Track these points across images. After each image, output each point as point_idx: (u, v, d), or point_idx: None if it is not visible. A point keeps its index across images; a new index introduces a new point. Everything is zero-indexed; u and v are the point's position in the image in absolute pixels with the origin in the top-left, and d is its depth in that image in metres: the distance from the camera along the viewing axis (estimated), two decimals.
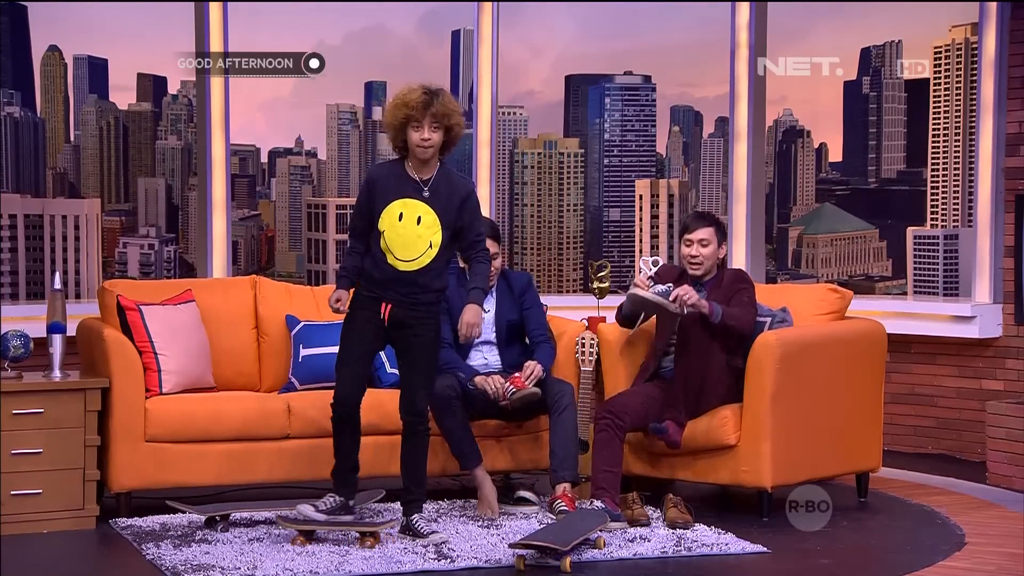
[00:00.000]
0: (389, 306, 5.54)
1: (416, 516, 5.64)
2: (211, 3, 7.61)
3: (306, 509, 5.51)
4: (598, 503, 5.82)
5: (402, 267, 5.51)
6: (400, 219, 5.49)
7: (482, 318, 5.67)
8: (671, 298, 5.94)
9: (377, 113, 8.49)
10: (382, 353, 6.25)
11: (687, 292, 5.94)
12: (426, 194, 5.52)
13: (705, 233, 6.19)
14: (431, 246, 5.52)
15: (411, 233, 5.50)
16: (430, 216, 5.51)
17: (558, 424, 6.08)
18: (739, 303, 6.08)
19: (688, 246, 6.21)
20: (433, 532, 5.61)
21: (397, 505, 5.81)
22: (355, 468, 5.62)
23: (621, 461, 5.98)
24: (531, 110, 8.66)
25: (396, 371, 6.35)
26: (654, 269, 6.08)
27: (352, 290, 5.63)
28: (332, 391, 5.61)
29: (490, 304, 6.30)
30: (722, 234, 6.24)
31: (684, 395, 5.96)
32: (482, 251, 5.69)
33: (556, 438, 6.08)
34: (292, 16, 7.99)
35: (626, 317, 6.25)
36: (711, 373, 5.99)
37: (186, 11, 7.64)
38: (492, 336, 6.32)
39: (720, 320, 5.97)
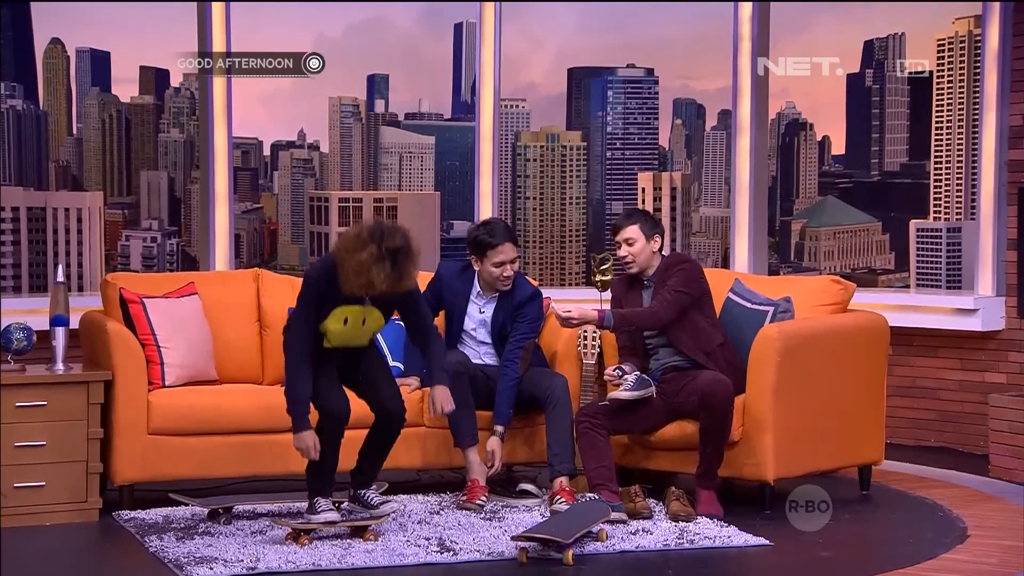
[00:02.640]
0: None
1: (365, 491, 5.68)
2: (213, 3, 7.59)
3: (331, 516, 5.48)
4: (594, 495, 5.82)
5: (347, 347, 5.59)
6: (345, 323, 5.48)
7: (450, 399, 5.63)
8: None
9: (379, 106, 8.48)
10: (384, 343, 6.26)
11: (567, 314, 5.96)
12: (368, 301, 5.47)
13: (629, 232, 6.17)
14: (375, 332, 5.63)
15: (356, 332, 5.54)
16: (374, 314, 5.53)
17: (553, 418, 6.10)
18: (660, 293, 6.06)
19: (618, 248, 6.22)
20: (386, 502, 5.64)
21: (399, 497, 5.81)
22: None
23: (610, 453, 5.97)
24: (533, 103, 8.65)
25: (399, 364, 6.38)
26: (623, 374, 6.04)
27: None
28: None
29: (489, 308, 6.31)
30: (651, 227, 6.19)
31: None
32: (434, 329, 5.67)
33: (552, 432, 6.10)
34: (293, 9, 7.98)
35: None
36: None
37: (188, 6, 7.63)
38: (488, 338, 6.35)
39: (615, 325, 5.99)
